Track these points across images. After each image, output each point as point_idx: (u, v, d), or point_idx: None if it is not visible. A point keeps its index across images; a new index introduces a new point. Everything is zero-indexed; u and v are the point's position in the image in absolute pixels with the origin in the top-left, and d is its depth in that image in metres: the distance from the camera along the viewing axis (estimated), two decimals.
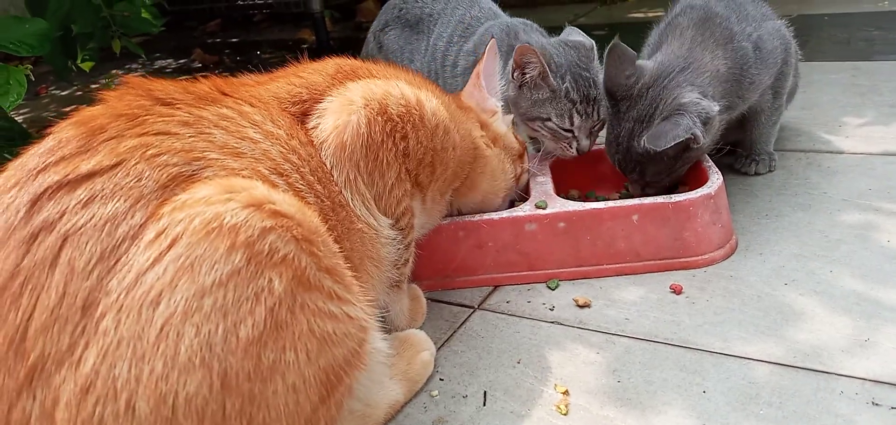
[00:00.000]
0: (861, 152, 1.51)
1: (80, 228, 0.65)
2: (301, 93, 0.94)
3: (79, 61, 2.37)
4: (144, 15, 2.34)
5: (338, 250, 0.78)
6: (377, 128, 0.92)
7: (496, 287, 1.22)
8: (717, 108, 1.22)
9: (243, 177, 0.74)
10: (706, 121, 1.20)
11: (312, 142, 0.89)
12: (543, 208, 1.21)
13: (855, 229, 1.22)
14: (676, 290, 1.12)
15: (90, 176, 0.68)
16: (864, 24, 2.52)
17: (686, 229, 1.16)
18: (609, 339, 1.04)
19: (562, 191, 1.41)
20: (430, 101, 1.00)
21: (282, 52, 3.61)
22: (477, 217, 1.21)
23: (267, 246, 0.67)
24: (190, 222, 0.65)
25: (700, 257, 1.17)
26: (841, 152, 1.52)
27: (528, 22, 1.57)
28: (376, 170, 0.93)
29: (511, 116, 1.30)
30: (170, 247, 0.64)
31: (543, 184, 1.30)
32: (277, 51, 3.67)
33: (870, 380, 0.89)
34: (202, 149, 0.73)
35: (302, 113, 0.92)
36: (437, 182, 1.05)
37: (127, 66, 3.77)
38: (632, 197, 1.37)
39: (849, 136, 1.59)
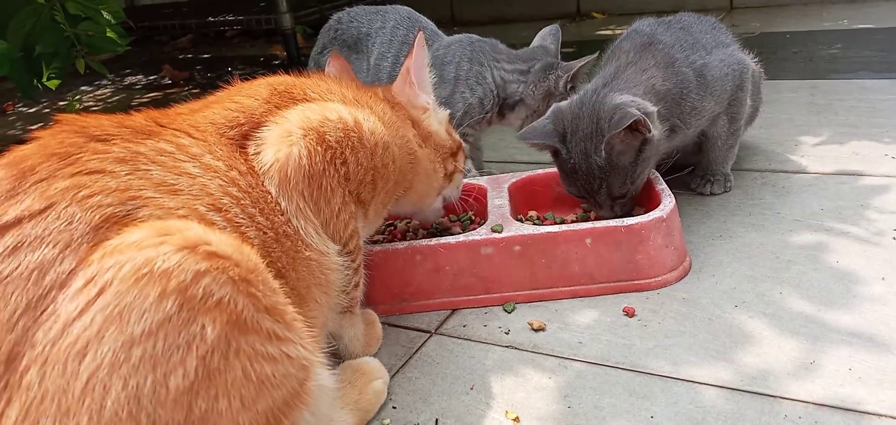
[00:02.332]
0: (815, 172, 1.53)
1: (6, 277, 0.63)
2: (238, 117, 0.93)
3: (44, 80, 2.34)
4: (110, 34, 2.32)
5: (279, 286, 0.77)
6: (318, 158, 0.92)
7: (454, 310, 1.22)
8: (654, 109, 1.25)
9: (180, 216, 0.73)
10: (647, 116, 1.24)
11: (253, 169, 0.88)
12: (499, 232, 1.21)
13: (806, 250, 1.24)
14: (629, 313, 1.13)
15: (18, 221, 0.66)
16: (826, 42, 2.58)
17: (639, 252, 1.18)
18: (562, 364, 1.04)
19: (521, 212, 1.43)
20: (368, 121, 1.00)
21: (254, 68, 3.60)
22: (434, 241, 1.22)
23: (201, 290, 0.65)
24: (119, 269, 0.63)
25: (653, 279, 1.19)
26: (796, 172, 1.55)
27: (483, 40, 1.60)
28: (322, 198, 0.93)
29: (447, 112, 1.28)
30: (98, 295, 0.63)
31: (501, 208, 1.31)
32: (249, 66, 3.66)
33: (813, 404, 0.90)
34: (138, 188, 0.72)
35: (241, 136, 0.91)
36: (379, 196, 1.06)
37: (96, 83, 3.74)
38: (588, 219, 1.39)
39: (804, 156, 1.62)
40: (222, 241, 0.71)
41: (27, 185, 0.69)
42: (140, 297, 0.63)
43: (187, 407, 0.64)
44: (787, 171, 1.56)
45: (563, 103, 1.33)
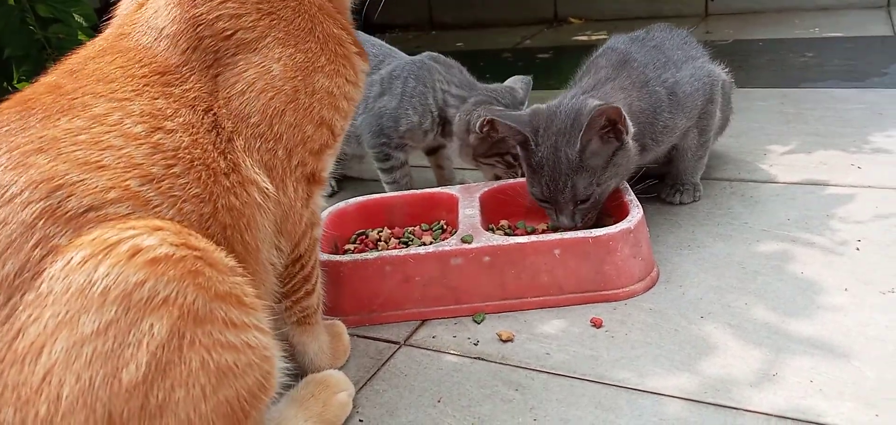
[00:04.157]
0: (783, 181, 1.55)
1: None
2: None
3: (14, 82, 2.31)
4: (81, 36, 2.30)
5: (233, 264, 0.76)
6: None
7: (424, 321, 1.22)
8: (633, 129, 1.26)
9: (111, 199, 0.72)
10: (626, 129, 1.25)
11: (186, 101, 0.84)
12: (469, 242, 1.22)
13: (772, 260, 1.26)
14: (597, 324, 1.14)
15: None
16: (797, 50, 2.61)
17: (606, 263, 1.18)
18: (529, 375, 1.05)
19: (493, 221, 1.43)
20: None
21: None
22: (404, 252, 1.22)
23: (145, 292, 0.67)
24: (66, 289, 0.66)
25: (621, 290, 1.19)
26: (764, 181, 1.57)
27: (446, 62, 1.62)
28: None
29: None
30: (49, 306, 0.66)
31: (472, 218, 1.31)
32: None
33: (774, 416, 0.91)
34: (63, 174, 0.71)
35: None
36: None
37: None
38: (558, 228, 1.39)
39: (773, 165, 1.64)
40: (161, 239, 0.70)
41: None
42: (87, 305, 0.66)
43: (142, 397, 0.67)
44: (755, 181, 1.57)
45: (543, 104, 1.34)
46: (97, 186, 0.72)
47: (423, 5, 4.10)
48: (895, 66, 2.27)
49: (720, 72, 1.52)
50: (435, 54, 1.64)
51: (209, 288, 0.71)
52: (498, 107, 1.52)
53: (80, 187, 0.71)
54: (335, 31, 0.95)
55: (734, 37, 2.92)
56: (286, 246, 0.96)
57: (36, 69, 2.31)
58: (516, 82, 1.66)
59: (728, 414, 0.92)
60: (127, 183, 0.74)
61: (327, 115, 0.94)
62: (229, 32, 0.88)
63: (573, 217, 1.29)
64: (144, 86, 0.83)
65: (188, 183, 0.79)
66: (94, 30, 2.26)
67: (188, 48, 0.87)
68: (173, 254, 0.70)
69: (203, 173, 0.81)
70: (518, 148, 1.37)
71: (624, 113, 1.23)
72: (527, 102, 1.62)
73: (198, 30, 0.87)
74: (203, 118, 0.85)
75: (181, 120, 0.82)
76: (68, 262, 0.67)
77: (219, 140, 0.85)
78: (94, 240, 0.68)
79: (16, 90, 2.36)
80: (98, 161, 0.74)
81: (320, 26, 0.93)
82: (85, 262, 0.67)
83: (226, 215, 0.83)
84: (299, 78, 0.91)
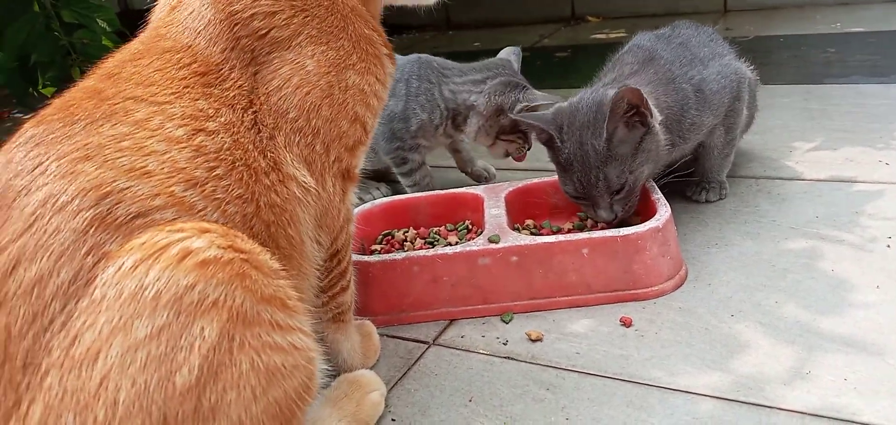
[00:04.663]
0: (809, 178, 1.54)
1: (11, 295, 0.68)
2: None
3: (39, 88, 2.35)
4: (105, 42, 2.33)
5: (277, 267, 0.78)
6: None
7: (452, 321, 1.23)
8: (660, 116, 1.26)
9: (156, 206, 0.74)
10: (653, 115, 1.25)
11: (226, 100, 0.85)
12: (496, 242, 1.22)
13: (801, 258, 1.25)
14: (626, 323, 1.14)
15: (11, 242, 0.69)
16: (819, 46, 2.59)
17: (635, 262, 1.18)
18: (559, 375, 1.05)
19: (518, 221, 1.44)
20: None
21: None
22: (431, 252, 1.22)
23: (195, 296, 0.68)
24: (119, 295, 0.68)
25: (650, 289, 1.19)
26: (790, 179, 1.56)
27: (432, 58, 1.65)
28: None
29: None
30: (102, 311, 0.67)
31: (498, 217, 1.32)
32: None
33: (808, 414, 0.91)
34: (110, 181, 0.73)
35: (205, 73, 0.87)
36: None
37: None
38: (585, 227, 1.39)
39: (798, 162, 1.63)
40: (209, 241, 0.71)
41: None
42: (140, 310, 0.67)
43: (196, 399, 0.68)
44: (782, 178, 1.57)
45: (565, 102, 1.35)
46: (143, 193, 0.74)
47: (440, 5, 4.10)
48: None
49: (746, 69, 1.52)
50: (425, 55, 1.67)
51: (256, 290, 0.72)
52: (537, 93, 1.54)
53: (128, 194, 0.73)
54: (366, 31, 0.96)
55: (755, 33, 2.90)
56: (325, 240, 0.97)
57: (61, 74, 2.34)
58: (509, 53, 1.68)
59: (762, 412, 0.92)
60: (171, 188, 0.76)
61: (360, 111, 0.96)
62: (264, 31, 0.90)
63: (611, 208, 1.28)
64: (184, 88, 0.84)
65: (231, 184, 0.81)
66: (119, 35, 2.29)
67: (227, 48, 0.88)
68: (221, 257, 0.71)
69: (245, 173, 0.82)
70: (545, 147, 1.37)
71: (644, 95, 1.23)
72: (519, 70, 1.65)
73: (234, 30, 0.89)
74: (243, 116, 0.86)
75: (223, 120, 0.84)
76: (120, 268, 0.68)
77: (259, 138, 0.87)
78: (144, 243, 0.69)
79: (42, 96, 2.40)
80: (143, 167, 0.75)
81: (352, 25, 0.95)
82: (136, 267, 0.68)
83: (268, 212, 0.85)
84: (333, 73, 0.92)
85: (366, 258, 1.24)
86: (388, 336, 1.20)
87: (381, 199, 1.51)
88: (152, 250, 0.69)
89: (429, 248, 1.34)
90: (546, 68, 2.84)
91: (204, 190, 0.78)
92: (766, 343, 1.05)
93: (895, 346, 1.01)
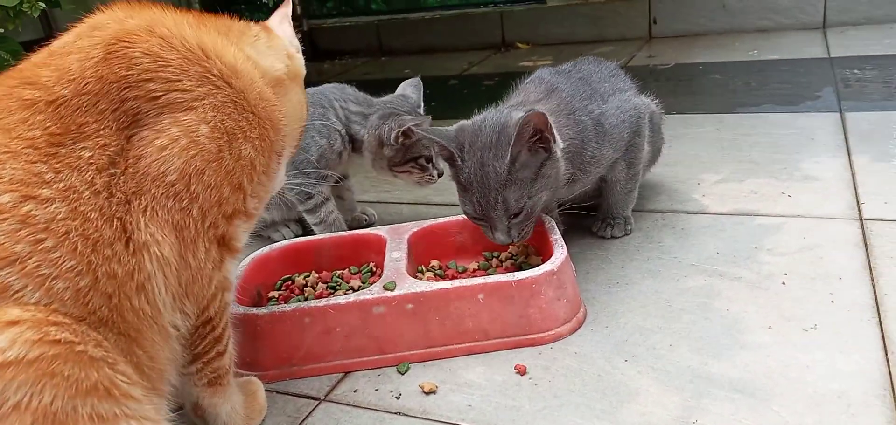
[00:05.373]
0: (714, 212, 1.56)
1: None
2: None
3: None
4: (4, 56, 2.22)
5: (101, 354, 0.72)
6: None
7: (346, 373, 1.18)
8: (562, 143, 1.26)
9: None
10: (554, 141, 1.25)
11: (77, 164, 0.78)
12: (392, 289, 1.18)
13: (698, 297, 1.25)
14: (521, 371, 1.11)
15: None
16: (736, 74, 2.64)
17: (530, 306, 1.16)
18: None
19: (423, 262, 1.40)
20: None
21: None
22: (323, 302, 1.18)
23: None
24: None
25: (546, 333, 1.17)
26: (696, 212, 1.57)
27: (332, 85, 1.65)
28: None
29: None
30: None
31: (397, 262, 1.28)
32: None
33: None
34: None
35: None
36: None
37: None
38: (490, 266, 1.37)
39: (705, 195, 1.65)
40: (12, 340, 0.65)
41: None
42: None
43: None
44: (687, 212, 1.57)
45: (468, 120, 1.33)
46: None
47: (372, 31, 4.07)
48: (828, 88, 2.31)
49: (649, 103, 1.52)
50: (327, 84, 1.66)
51: (70, 384, 0.67)
52: (407, 117, 1.53)
53: None
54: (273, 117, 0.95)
55: (676, 60, 2.95)
56: (192, 309, 0.91)
57: None
58: (408, 88, 1.68)
59: None
60: None
61: (245, 183, 0.92)
62: (159, 94, 0.84)
63: (509, 232, 1.25)
64: (26, 147, 0.78)
65: (61, 256, 0.74)
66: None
67: (107, 108, 0.82)
68: (25, 356, 0.65)
69: (79, 244, 0.76)
70: (445, 164, 1.35)
71: (549, 120, 1.22)
72: (422, 104, 1.64)
73: (123, 92, 0.83)
74: (94, 179, 0.79)
75: (61, 186, 0.77)
76: None
77: (108, 203, 0.80)
78: None
79: None
80: None
81: (264, 112, 0.93)
82: None
83: (109, 284, 0.78)
84: (225, 140, 0.88)
85: (254, 311, 1.19)
86: (277, 392, 1.15)
87: (281, 242, 1.46)
88: None
89: (329, 294, 1.30)
90: (472, 96, 2.83)
91: (25, 267, 0.72)
92: (656, 390, 1.04)
93: (782, 391, 1.00)
